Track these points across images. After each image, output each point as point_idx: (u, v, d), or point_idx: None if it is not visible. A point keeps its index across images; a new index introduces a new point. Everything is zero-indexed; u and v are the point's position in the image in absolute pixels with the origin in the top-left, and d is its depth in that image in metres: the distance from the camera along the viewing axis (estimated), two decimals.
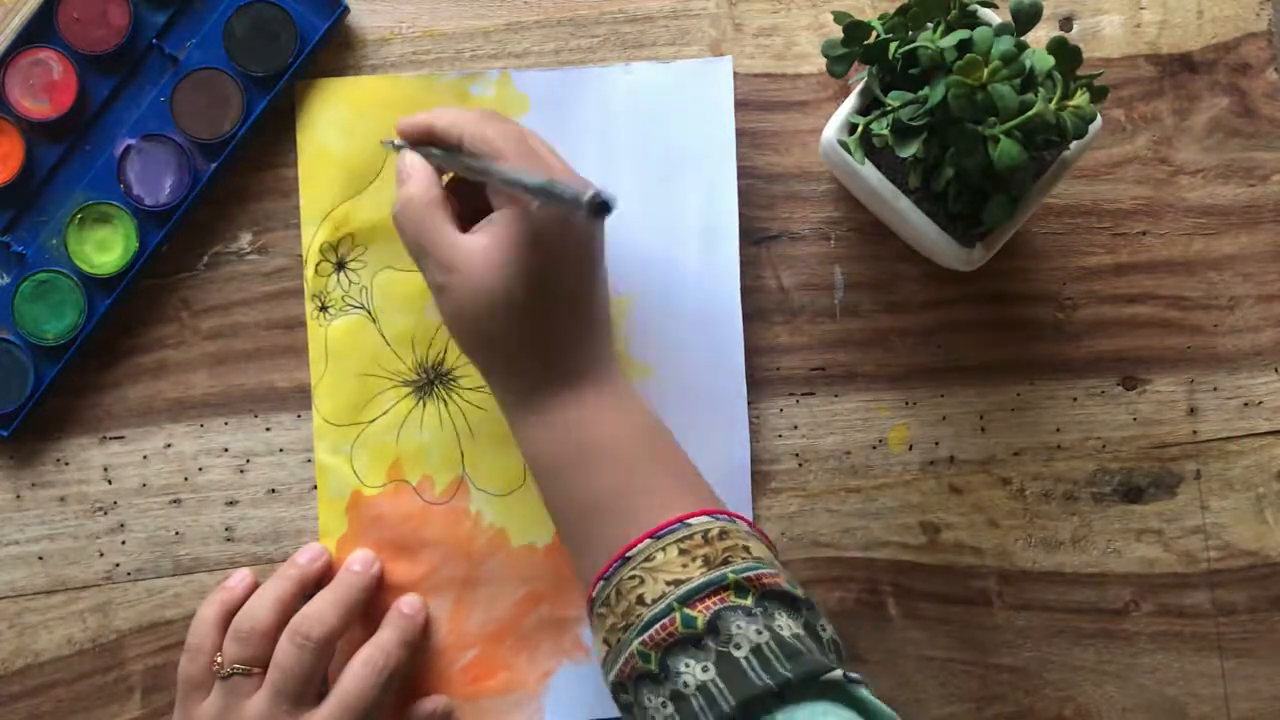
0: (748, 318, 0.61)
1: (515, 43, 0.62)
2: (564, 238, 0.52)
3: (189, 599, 0.61)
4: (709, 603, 0.48)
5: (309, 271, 0.61)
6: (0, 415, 0.60)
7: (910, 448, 0.62)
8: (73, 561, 0.61)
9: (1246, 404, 0.62)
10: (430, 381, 0.61)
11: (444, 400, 0.61)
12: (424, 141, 0.55)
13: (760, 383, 0.62)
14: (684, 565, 0.49)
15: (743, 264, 0.61)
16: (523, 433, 0.54)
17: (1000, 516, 0.62)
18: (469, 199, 0.54)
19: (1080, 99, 0.51)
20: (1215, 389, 0.62)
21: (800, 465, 0.62)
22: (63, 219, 0.60)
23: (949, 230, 0.55)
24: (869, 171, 0.55)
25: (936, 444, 0.62)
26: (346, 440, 0.61)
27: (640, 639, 0.48)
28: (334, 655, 0.57)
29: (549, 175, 0.49)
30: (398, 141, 0.56)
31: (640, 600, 0.49)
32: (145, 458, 0.61)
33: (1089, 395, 0.62)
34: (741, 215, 0.61)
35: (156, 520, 0.61)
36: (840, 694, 0.47)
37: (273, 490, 0.61)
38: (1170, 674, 0.62)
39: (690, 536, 0.50)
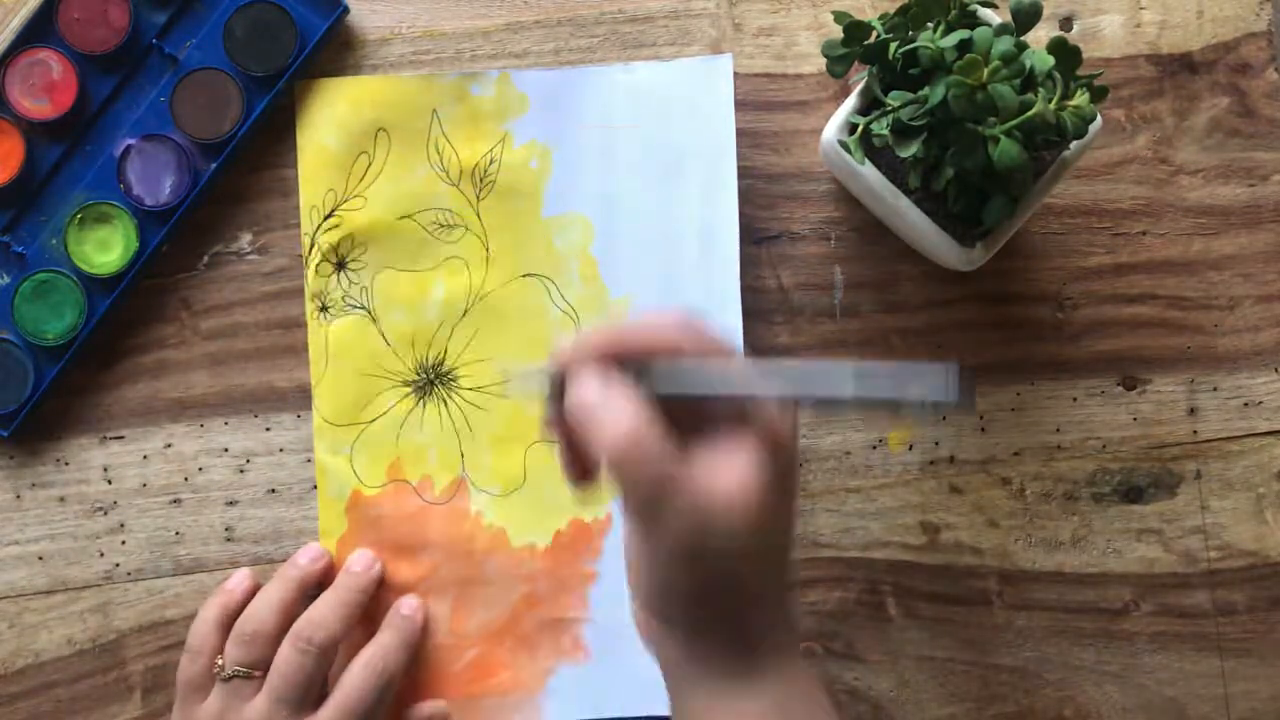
0: (748, 318, 0.61)
1: (515, 43, 0.62)
2: (795, 476, 0.43)
3: (189, 599, 0.61)
4: None
5: (309, 271, 0.61)
6: (0, 415, 0.60)
7: (910, 448, 0.62)
8: (73, 561, 0.61)
9: (1246, 404, 0.62)
10: (430, 381, 0.61)
11: (444, 400, 0.61)
12: (611, 359, 0.42)
13: None
14: None
15: (743, 264, 0.61)
16: (696, 702, 0.44)
17: (1000, 516, 0.62)
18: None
19: (1080, 99, 0.51)
20: (1215, 389, 0.62)
21: (800, 465, 0.62)
22: (63, 219, 0.60)
23: (949, 230, 0.55)
24: (869, 171, 0.55)
25: (936, 444, 0.62)
26: (346, 440, 0.61)
27: None
28: (335, 658, 0.57)
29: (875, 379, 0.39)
30: (547, 369, 0.43)
31: None
32: (145, 458, 0.61)
33: (1089, 395, 0.62)
34: (741, 215, 0.61)
35: (156, 520, 0.61)
36: None
37: (273, 490, 0.61)
38: (1170, 674, 0.62)
39: None
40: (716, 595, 0.42)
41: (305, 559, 0.59)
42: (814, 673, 0.47)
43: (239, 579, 0.59)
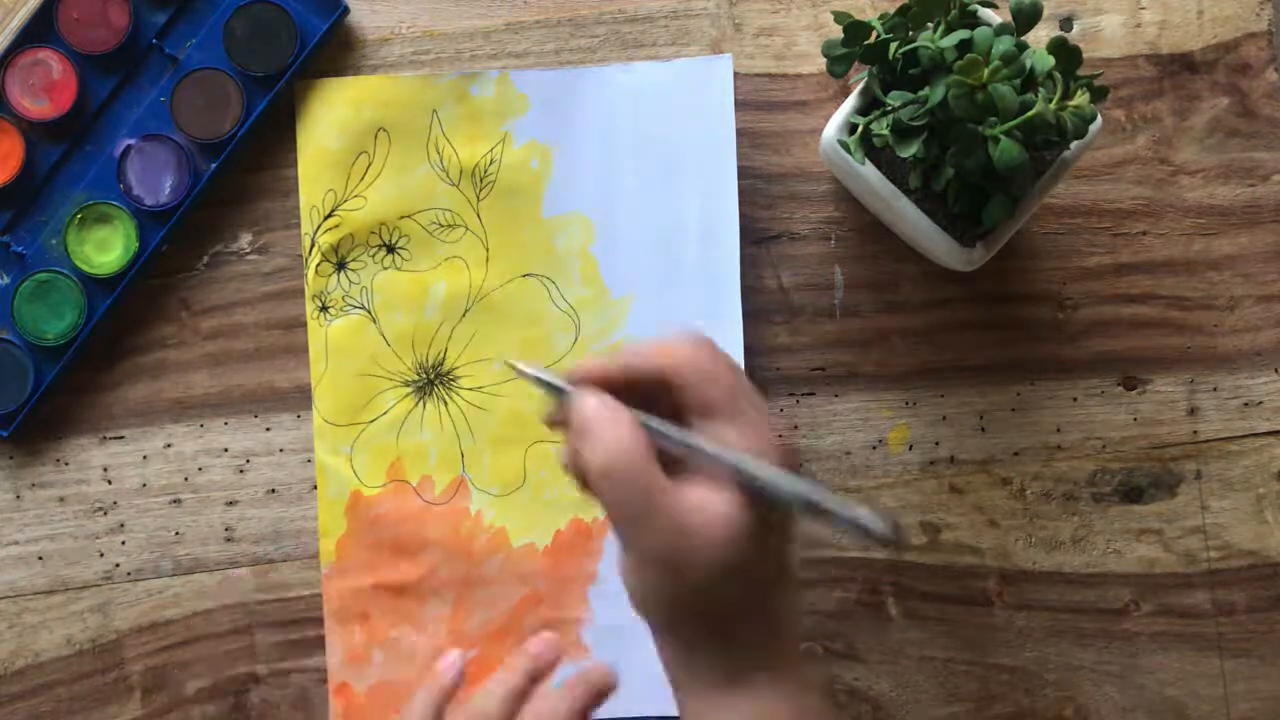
0: (748, 318, 0.61)
1: (515, 43, 0.62)
2: (776, 534, 0.45)
3: (189, 599, 0.61)
4: None
5: (309, 271, 0.61)
6: (0, 415, 0.60)
7: (910, 448, 0.62)
8: (73, 561, 0.61)
9: (1246, 404, 0.62)
10: (430, 381, 0.61)
11: (444, 400, 0.61)
12: (610, 388, 0.45)
13: (760, 383, 0.62)
14: None
15: (743, 264, 0.61)
16: (699, 713, 0.46)
17: (1000, 516, 0.62)
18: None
19: (1080, 99, 0.51)
20: (1215, 389, 0.62)
21: (800, 465, 0.62)
22: (63, 219, 0.60)
23: (949, 230, 0.55)
24: (869, 171, 0.55)
25: (936, 444, 0.62)
26: (346, 440, 0.61)
27: None
28: None
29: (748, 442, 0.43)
30: (553, 380, 0.46)
31: None
32: (145, 458, 0.61)
33: (1089, 395, 0.62)
34: (741, 215, 0.61)
35: (156, 520, 0.61)
36: None
37: (273, 490, 0.61)
38: (1170, 674, 0.62)
39: None
40: (694, 616, 0.45)
41: (536, 649, 0.54)
42: (810, 690, 0.47)
43: (448, 663, 0.55)
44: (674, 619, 0.45)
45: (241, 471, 0.61)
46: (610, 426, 0.43)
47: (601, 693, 0.53)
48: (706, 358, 0.45)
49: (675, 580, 0.44)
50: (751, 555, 0.43)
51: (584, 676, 0.53)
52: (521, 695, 0.53)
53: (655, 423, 0.44)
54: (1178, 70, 0.62)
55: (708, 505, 0.43)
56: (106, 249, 0.60)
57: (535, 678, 0.55)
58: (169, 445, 0.61)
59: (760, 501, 0.43)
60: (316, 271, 0.61)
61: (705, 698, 0.46)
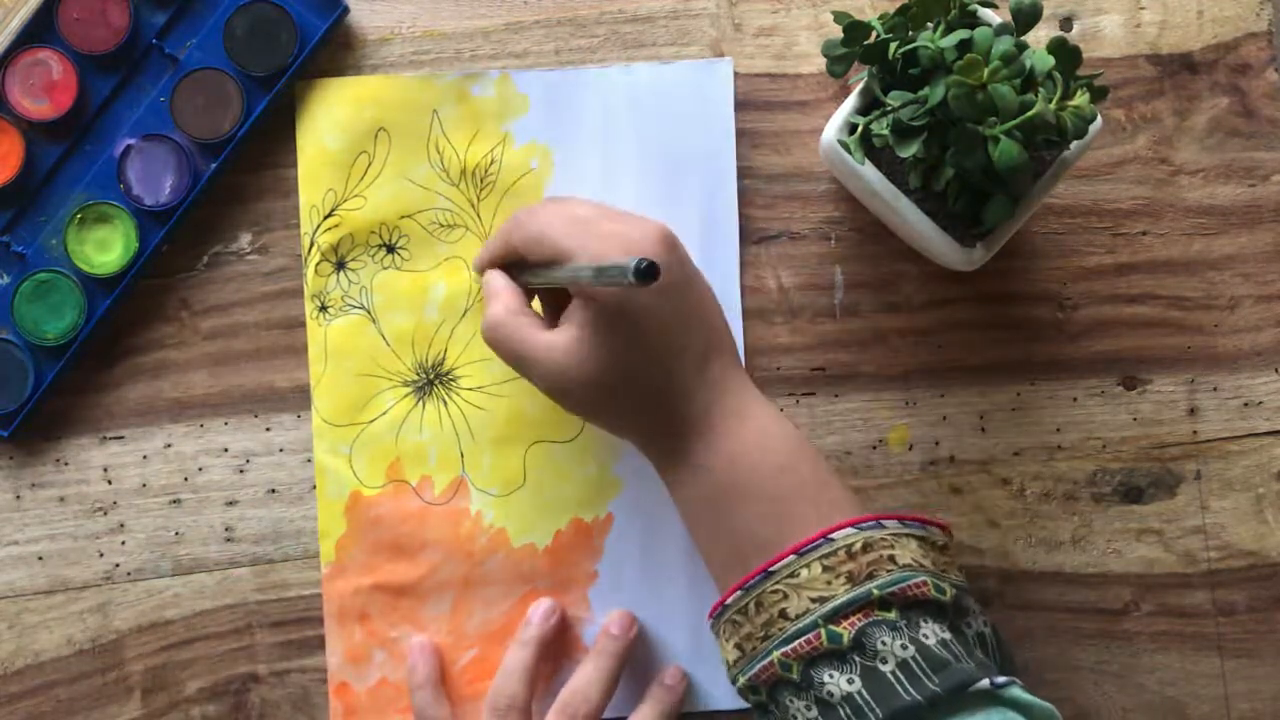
0: (748, 318, 0.61)
1: (515, 43, 0.62)
2: (643, 298, 0.51)
3: (189, 599, 0.61)
4: (854, 619, 0.49)
5: (309, 271, 0.61)
6: (0, 415, 0.60)
7: (910, 448, 0.62)
8: (73, 561, 0.61)
9: (1246, 404, 0.62)
10: (430, 381, 0.61)
11: (443, 400, 0.61)
12: (497, 266, 0.56)
13: (760, 383, 0.61)
14: (828, 582, 0.49)
15: (743, 264, 0.61)
16: (672, 485, 0.55)
17: (1000, 516, 0.62)
18: (558, 296, 0.55)
19: (1080, 99, 0.51)
20: (1215, 389, 0.62)
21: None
22: (63, 219, 0.60)
23: (949, 230, 0.55)
24: (869, 171, 0.55)
25: (936, 444, 0.62)
26: (346, 440, 0.61)
27: (782, 650, 0.49)
28: None
29: (596, 254, 0.50)
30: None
31: (783, 614, 0.50)
32: (145, 458, 0.61)
33: (1089, 395, 0.62)
34: (741, 215, 0.61)
35: (156, 520, 0.61)
36: (992, 700, 0.48)
37: (272, 490, 0.61)
38: (1170, 674, 0.62)
39: (834, 553, 0.50)
40: (616, 423, 0.55)
41: (539, 617, 0.59)
42: (764, 416, 0.53)
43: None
44: (608, 428, 0.55)
45: (241, 471, 0.61)
46: (491, 299, 0.55)
47: (626, 654, 0.59)
48: (521, 227, 0.54)
49: (564, 399, 0.54)
50: (612, 363, 0.51)
51: (618, 641, 0.59)
52: (538, 670, 0.58)
53: (530, 274, 0.55)
54: (1178, 70, 0.62)
55: (558, 338, 0.52)
56: (106, 249, 0.60)
57: (545, 645, 0.58)
58: (169, 445, 0.61)
59: (590, 302, 0.51)
60: (316, 271, 0.61)
61: (664, 471, 0.55)
